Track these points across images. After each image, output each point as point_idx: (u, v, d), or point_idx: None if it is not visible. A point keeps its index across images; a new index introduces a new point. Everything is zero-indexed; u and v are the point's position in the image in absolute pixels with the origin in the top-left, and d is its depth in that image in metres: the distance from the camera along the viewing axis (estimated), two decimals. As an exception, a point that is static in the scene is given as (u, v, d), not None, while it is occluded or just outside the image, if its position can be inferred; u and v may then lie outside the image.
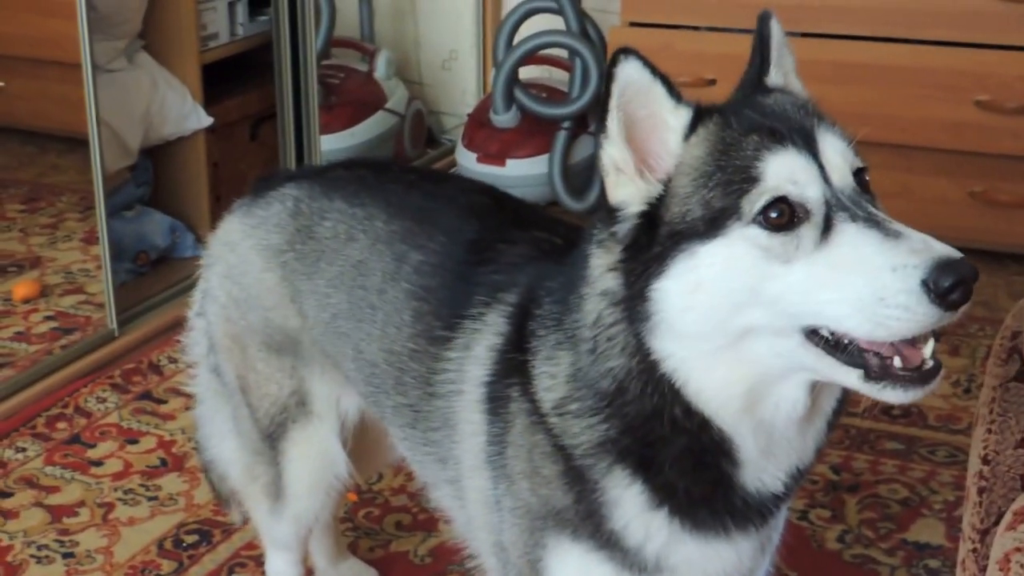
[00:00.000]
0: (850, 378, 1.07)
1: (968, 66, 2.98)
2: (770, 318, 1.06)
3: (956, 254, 1.01)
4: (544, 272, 1.29)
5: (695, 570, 1.22)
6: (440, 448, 1.40)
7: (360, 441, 1.70)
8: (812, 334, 1.06)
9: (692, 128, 1.11)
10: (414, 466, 1.54)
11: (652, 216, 1.10)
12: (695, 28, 3.27)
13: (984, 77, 2.98)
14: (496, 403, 1.28)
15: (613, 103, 1.10)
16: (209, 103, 3.16)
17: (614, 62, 1.09)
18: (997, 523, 1.28)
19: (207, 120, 3.14)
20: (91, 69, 2.62)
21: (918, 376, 1.05)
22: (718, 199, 1.07)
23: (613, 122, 1.10)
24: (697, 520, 1.18)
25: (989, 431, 1.33)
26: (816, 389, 1.13)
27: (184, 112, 3.11)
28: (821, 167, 1.08)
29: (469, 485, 1.35)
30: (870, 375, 1.06)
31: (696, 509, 1.18)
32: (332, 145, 3.50)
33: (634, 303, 1.10)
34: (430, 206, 1.49)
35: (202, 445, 1.83)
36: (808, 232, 1.06)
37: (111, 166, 2.89)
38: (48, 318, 2.89)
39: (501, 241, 1.39)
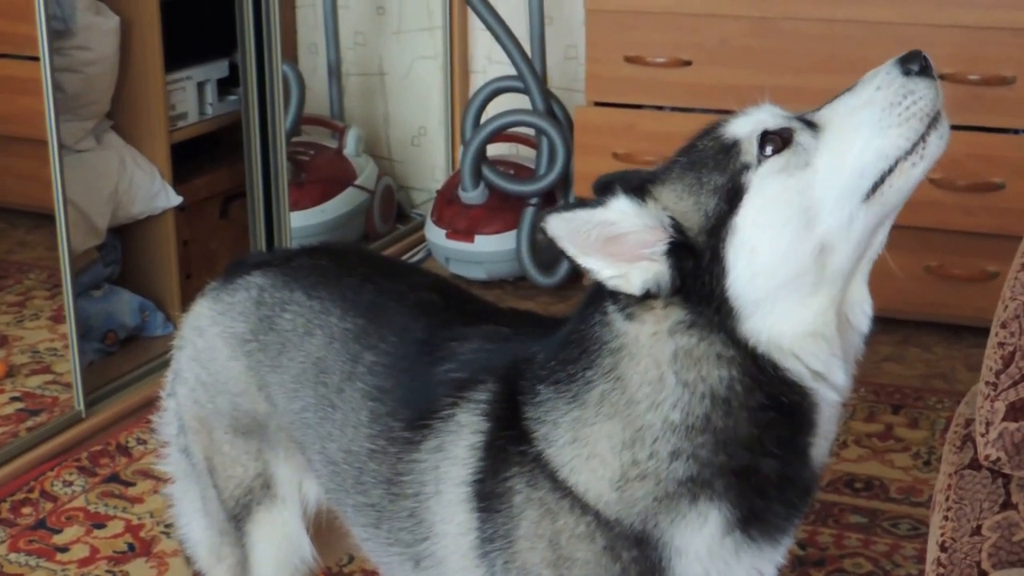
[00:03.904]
0: (913, 173, 1.21)
1: (921, 145, 3.06)
2: (834, 210, 1.16)
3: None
4: (514, 366, 1.32)
5: None
6: (412, 548, 1.42)
7: (326, 525, 1.70)
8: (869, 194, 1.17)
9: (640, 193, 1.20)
10: (380, 567, 1.55)
11: (679, 246, 1.17)
12: (659, 108, 3.35)
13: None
14: (491, 500, 1.30)
15: (580, 248, 1.18)
16: (178, 182, 3.17)
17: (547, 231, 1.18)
18: (957, 609, 1.31)
19: (176, 199, 3.16)
20: (58, 150, 2.62)
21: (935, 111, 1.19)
22: (720, 177, 1.17)
23: (594, 260, 1.18)
24: (759, 530, 1.23)
25: (946, 518, 1.36)
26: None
27: (153, 191, 3.13)
28: None
29: None
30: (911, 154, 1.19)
31: (765, 514, 1.22)
32: (302, 222, 3.53)
33: (713, 312, 1.16)
34: (381, 303, 1.53)
35: (176, 523, 1.83)
36: (803, 136, 1.19)
37: (79, 246, 2.89)
38: (15, 399, 2.87)
39: (452, 339, 1.43)
